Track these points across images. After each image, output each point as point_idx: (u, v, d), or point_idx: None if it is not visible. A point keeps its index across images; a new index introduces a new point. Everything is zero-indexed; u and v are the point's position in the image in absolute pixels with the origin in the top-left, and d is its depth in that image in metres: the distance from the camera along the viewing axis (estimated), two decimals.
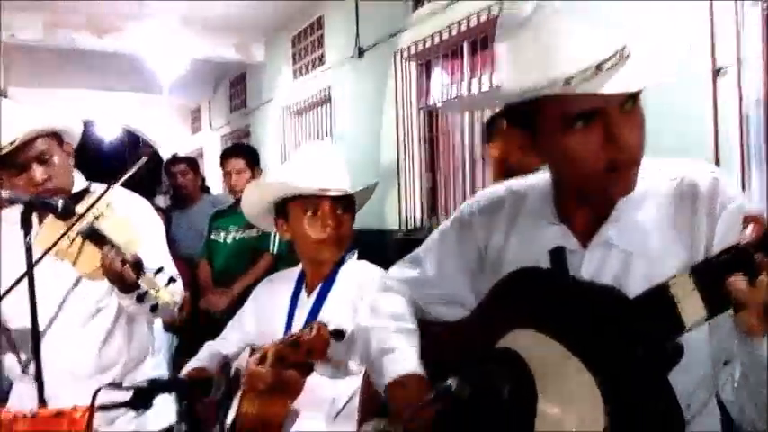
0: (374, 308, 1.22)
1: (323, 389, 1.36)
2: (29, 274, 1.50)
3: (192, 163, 3.90)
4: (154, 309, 1.53)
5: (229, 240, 3.21)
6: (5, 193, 1.54)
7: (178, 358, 2.69)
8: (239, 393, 1.44)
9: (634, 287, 0.79)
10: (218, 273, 3.21)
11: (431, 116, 4.73)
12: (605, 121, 0.84)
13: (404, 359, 1.09)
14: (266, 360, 1.30)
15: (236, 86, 8.06)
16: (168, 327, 2.97)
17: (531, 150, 0.95)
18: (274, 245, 3.09)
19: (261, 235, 3.11)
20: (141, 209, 1.87)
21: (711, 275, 0.66)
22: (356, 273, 1.58)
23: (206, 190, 4.13)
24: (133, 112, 9.18)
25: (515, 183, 1.12)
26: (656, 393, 0.74)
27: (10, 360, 1.83)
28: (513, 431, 0.88)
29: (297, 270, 1.67)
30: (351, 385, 1.37)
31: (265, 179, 1.79)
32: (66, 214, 1.57)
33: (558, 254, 0.95)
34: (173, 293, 1.49)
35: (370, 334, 1.17)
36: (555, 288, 0.88)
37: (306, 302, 1.58)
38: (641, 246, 0.90)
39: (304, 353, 1.19)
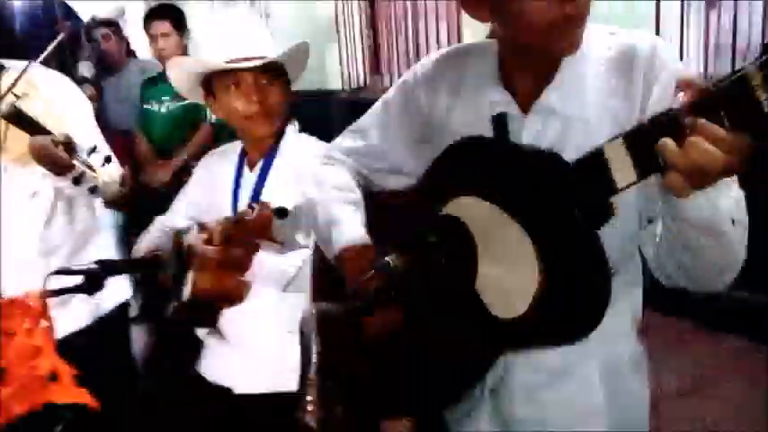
0: (318, 180, 1.22)
1: (271, 262, 1.39)
2: None
3: (115, 25, 3.60)
4: (93, 190, 1.49)
5: (164, 110, 3.08)
6: None
7: (127, 234, 2.67)
8: (192, 270, 1.46)
9: (571, 153, 0.81)
10: (157, 145, 3.11)
11: None
12: None
13: (350, 229, 1.11)
14: (213, 239, 1.30)
15: None
16: (110, 204, 2.91)
17: (484, 3, 0.91)
18: (211, 114, 2.98)
19: (193, 104, 2.99)
20: (64, 86, 1.76)
21: (643, 139, 0.68)
22: (297, 146, 1.55)
23: (131, 54, 3.86)
24: None
25: (459, 47, 1.09)
26: (586, 250, 0.79)
27: None
28: (455, 294, 0.94)
29: (239, 144, 1.63)
30: (299, 256, 1.41)
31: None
32: None
33: (499, 120, 0.95)
34: (110, 173, 1.46)
35: (316, 206, 1.19)
36: (496, 155, 0.89)
37: (249, 178, 1.56)
38: (580, 111, 0.91)
39: (248, 232, 1.19)
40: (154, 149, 3.11)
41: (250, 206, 1.19)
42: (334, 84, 4.55)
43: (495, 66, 1.00)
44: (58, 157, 1.42)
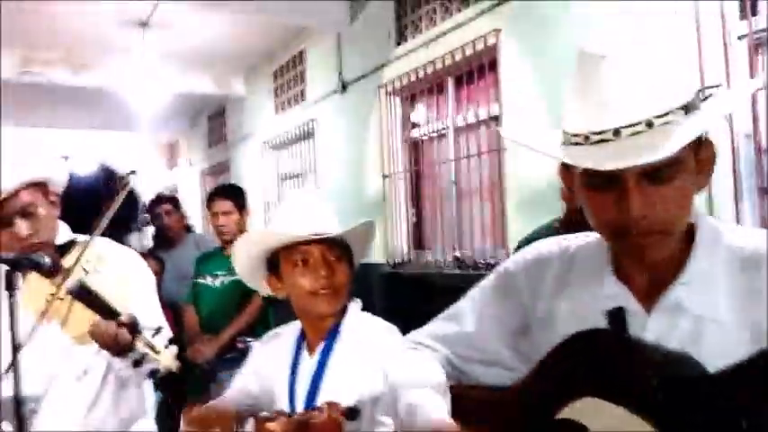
0: (405, 365, 1.14)
1: None
2: (13, 338, 1.39)
3: (176, 202, 3.78)
4: (153, 374, 1.42)
5: (218, 284, 3.10)
6: None
7: (161, 415, 2.53)
8: None
9: (706, 355, 0.75)
10: (205, 319, 3.09)
11: (416, 149, 4.71)
12: (621, 185, 0.81)
13: (433, 410, 1.01)
14: None
15: (215, 121, 7.97)
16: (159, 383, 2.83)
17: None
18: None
19: None
20: (131, 261, 1.77)
21: None
22: (360, 327, 1.48)
23: (189, 229, 4.01)
24: (108, 149, 9.02)
25: (565, 239, 1.06)
26: None
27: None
28: None
29: (297, 326, 1.57)
30: None
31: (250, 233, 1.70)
32: (54, 272, 1.47)
33: (617, 315, 0.89)
34: (172, 354, 1.39)
35: (400, 392, 1.09)
36: (626, 352, 0.80)
37: (308, 362, 1.48)
38: (713, 311, 0.85)
39: None
40: (201, 324, 3.08)
41: (317, 408, 1.08)
42: (378, 257, 4.60)
43: (606, 257, 0.96)
44: (121, 339, 1.39)
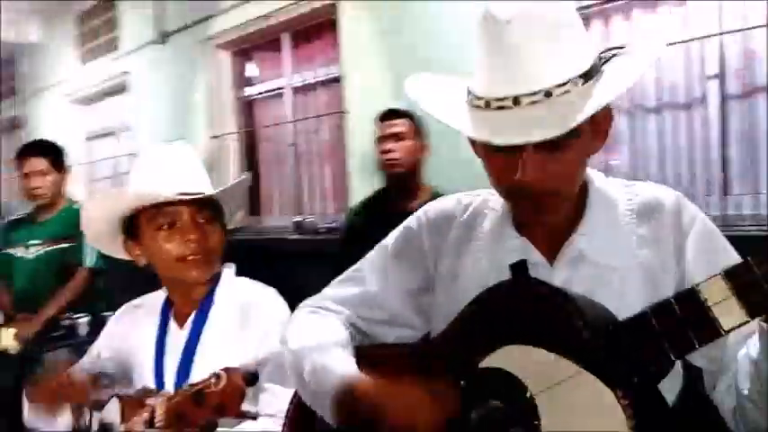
0: (304, 330, 1.08)
1: None
2: None
3: None
4: None
5: (31, 256, 2.69)
6: None
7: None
8: None
9: (604, 301, 0.79)
10: (19, 295, 2.66)
11: (250, 109, 4.50)
12: (517, 151, 0.82)
13: (343, 365, 0.97)
14: (156, 420, 1.05)
15: (4, 70, 6.89)
16: None
17: None
18: (89, 257, 2.65)
19: (70, 247, 2.65)
20: None
21: (750, 279, 0.66)
22: (237, 294, 1.36)
23: None
24: None
25: (466, 195, 1.06)
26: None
27: None
28: None
29: (160, 296, 1.40)
30: (255, 427, 1.19)
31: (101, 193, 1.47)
32: None
33: (520, 267, 0.90)
34: (13, 335, 1.18)
35: (302, 355, 1.03)
36: (548, 301, 0.82)
37: (177, 335, 1.33)
38: (611, 259, 0.90)
39: (212, 409, 0.94)
40: (14, 301, 2.65)
41: (214, 375, 0.96)
42: None
43: (508, 213, 0.98)
44: None
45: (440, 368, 0.92)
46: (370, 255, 1.13)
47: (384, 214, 2.29)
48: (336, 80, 3.70)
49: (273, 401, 1.19)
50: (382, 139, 2.43)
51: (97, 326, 2.65)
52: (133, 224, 1.32)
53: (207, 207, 1.32)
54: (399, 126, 2.39)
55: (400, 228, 1.10)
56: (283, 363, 1.19)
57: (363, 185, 2.95)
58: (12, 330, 1.20)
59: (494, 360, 0.85)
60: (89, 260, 2.64)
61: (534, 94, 0.80)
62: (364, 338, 1.09)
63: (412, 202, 2.30)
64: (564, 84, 0.80)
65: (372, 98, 3.24)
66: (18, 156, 2.74)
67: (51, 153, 2.74)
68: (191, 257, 1.28)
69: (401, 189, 2.40)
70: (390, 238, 1.10)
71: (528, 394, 0.80)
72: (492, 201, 1.01)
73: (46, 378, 1.35)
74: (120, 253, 1.39)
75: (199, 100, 4.52)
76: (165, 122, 4.83)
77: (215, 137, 4.40)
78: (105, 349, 1.43)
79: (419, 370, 0.95)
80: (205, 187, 1.33)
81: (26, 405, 1.35)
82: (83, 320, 2.48)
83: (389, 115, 2.44)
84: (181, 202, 1.28)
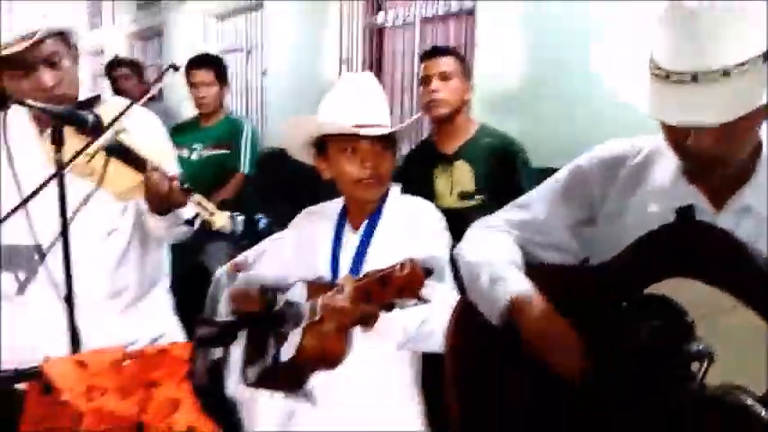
0: (479, 244, 1.26)
1: (393, 319, 1.38)
2: (60, 192, 1.36)
3: (137, 66, 3.54)
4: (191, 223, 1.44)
5: (194, 157, 3.02)
6: (35, 103, 1.36)
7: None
8: (302, 326, 1.41)
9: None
10: None
11: (379, 36, 4.62)
12: None
13: (517, 283, 1.14)
14: (345, 295, 1.28)
15: None
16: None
17: None
18: (245, 164, 2.96)
19: (230, 153, 2.96)
20: (157, 124, 1.73)
21: None
22: (402, 206, 1.57)
23: (151, 97, 3.77)
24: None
25: (640, 140, 1.16)
26: None
27: None
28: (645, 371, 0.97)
29: (338, 204, 1.63)
30: (419, 313, 1.41)
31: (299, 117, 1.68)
32: (95, 130, 1.42)
33: (686, 213, 1.01)
34: (227, 217, 1.42)
35: (478, 268, 1.21)
36: (721, 242, 0.95)
37: (352, 237, 1.56)
38: None
39: (394, 291, 1.16)
40: None
41: (402, 264, 1.16)
42: None
43: (679, 161, 1.06)
44: (174, 195, 1.39)
45: (603, 291, 1.07)
46: (541, 186, 1.27)
47: (432, 157, 2.36)
48: (471, 12, 3.74)
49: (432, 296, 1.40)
50: (427, 78, 2.29)
51: (251, 226, 2.99)
52: (323, 143, 1.54)
53: (384, 137, 1.51)
54: (445, 65, 2.27)
55: (572, 165, 1.22)
56: (442, 265, 1.41)
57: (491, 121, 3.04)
58: (226, 213, 1.43)
59: (656, 289, 0.99)
60: (245, 167, 2.94)
61: (713, 72, 0.86)
62: (525, 257, 1.24)
63: (459, 142, 2.32)
64: (744, 63, 0.85)
65: (503, 33, 3.26)
66: (187, 67, 3.03)
67: (216, 66, 3.01)
68: (366, 181, 1.49)
69: (446, 131, 2.33)
70: (562, 174, 1.23)
71: (688, 319, 0.94)
72: (664, 147, 1.09)
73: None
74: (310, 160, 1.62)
75: (331, 24, 4.68)
76: (296, 44, 5.04)
77: (343, 62, 4.58)
78: (290, 245, 1.68)
79: (582, 290, 1.12)
80: (384, 121, 1.53)
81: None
82: (239, 219, 2.78)
83: (435, 53, 2.33)
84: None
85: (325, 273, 1.54)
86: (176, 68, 1.65)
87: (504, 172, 2.23)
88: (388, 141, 1.53)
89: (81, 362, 1.00)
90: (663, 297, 0.98)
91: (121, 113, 1.48)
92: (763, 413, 0.75)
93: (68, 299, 1.37)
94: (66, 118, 1.37)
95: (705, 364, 0.85)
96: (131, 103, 1.52)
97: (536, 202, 1.24)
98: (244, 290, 1.56)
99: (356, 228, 1.56)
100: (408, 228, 1.51)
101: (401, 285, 1.14)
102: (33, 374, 0.96)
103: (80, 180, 1.44)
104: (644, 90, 0.95)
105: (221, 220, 1.38)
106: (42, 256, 1.43)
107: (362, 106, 1.52)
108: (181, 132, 3.11)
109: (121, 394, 1.04)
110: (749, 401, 0.77)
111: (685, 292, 0.96)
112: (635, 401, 0.97)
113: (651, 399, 0.95)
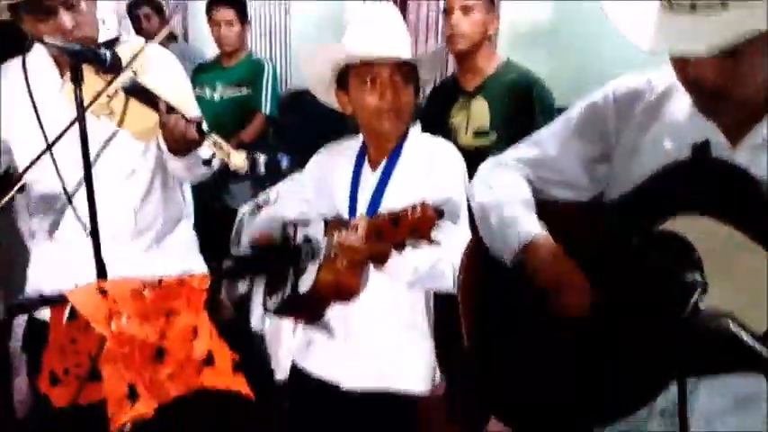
0: (490, 183, 1.26)
1: (405, 258, 1.40)
2: (81, 130, 1.39)
3: (158, 5, 3.52)
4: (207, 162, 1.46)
5: (216, 97, 3.03)
6: (54, 41, 1.38)
7: None
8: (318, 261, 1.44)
9: None
10: None
11: None
12: None
13: (527, 224, 1.15)
14: (358, 233, 1.30)
15: None
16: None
17: None
18: (266, 105, 2.96)
19: (251, 94, 2.97)
20: (175, 64, 1.73)
21: None
22: (422, 146, 1.56)
23: (173, 38, 3.78)
24: None
25: (656, 75, 1.13)
26: None
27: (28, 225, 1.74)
28: (651, 307, 0.97)
29: (358, 142, 1.63)
30: (431, 254, 1.43)
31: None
32: (113, 69, 1.44)
33: (702, 148, 0.99)
34: (243, 157, 1.43)
35: (489, 209, 1.21)
36: (735, 179, 0.93)
37: (370, 175, 1.56)
38: None
39: (406, 232, 1.17)
40: None
41: (413, 207, 1.18)
42: None
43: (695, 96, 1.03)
44: (190, 135, 1.41)
45: (613, 227, 1.08)
46: (553, 123, 1.25)
47: (453, 93, 2.29)
48: None
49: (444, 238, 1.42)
50: (449, 11, 2.20)
51: (273, 166, 3.03)
52: (344, 76, 1.53)
53: (404, 68, 1.49)
54: None
55: (587, 101, 1.19)
56: (458, 207, 1.42)
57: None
58: (243, 152, 1.44)
59: (667, 226, 0.98)
60: (266, 108, 2.95)
61: (711, 0, 0.84)
62: (536, 195, 1.23)
63: (480, 78, 2.25)
64: None
65: None
66: (208, 5, 3.01)
67: (238, 4, 2.98)
68: (385, 112, 1.49)
69: (467, 66, 2.26)
70: (575, 111, 1.21)
71: (696, 256, 0.94)
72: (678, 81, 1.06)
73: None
74: (333, 103, 1.61)
75: None
76: None
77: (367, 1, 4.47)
78: (308, 182, 1.69)
79: (594, 228, 1.12)
80: (403, 51, 1.50)
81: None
82: (261, 159, 2.81)
83: None
84: (381, 62, 1.46)
85: (343, 211, 1.56)
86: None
87: (523, 110, 2.17)
88: (409, 74, 1.50)
89: (103, 289, 1.05)
90: (673, 233, 0.98)
91: (137, 54, 1.49)
92: (749, 340, 0.76)
93: (94, 234, 1.42)
94: (84, 56, 1.38)
95: (698, 294, 0.85)
96: (143, 46, 1.52)
97: (548, 139, 1.23)
98: (266, 232, 1.59)
99: (375, 166, 1.57)
100: (427, 168, 1.51)
101: (412, 226, 1.15)
102: (58, 300, 1.01)
103: (101, 121, 1.47)
104: (645, 23, 0.93)
105: (237, 159, 1.39)
106: (68, 196, 1.47)
107: (379, 35, 1.50)
108: (203, 72, 3.12)
109: (142, 321, 1.09)
110: (735, 328, 0.78)
111: (698, 229, 0.95)
112: (633, 330, 0.99)
113: (647, 326, 0.96)
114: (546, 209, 1.21)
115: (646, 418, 1.07)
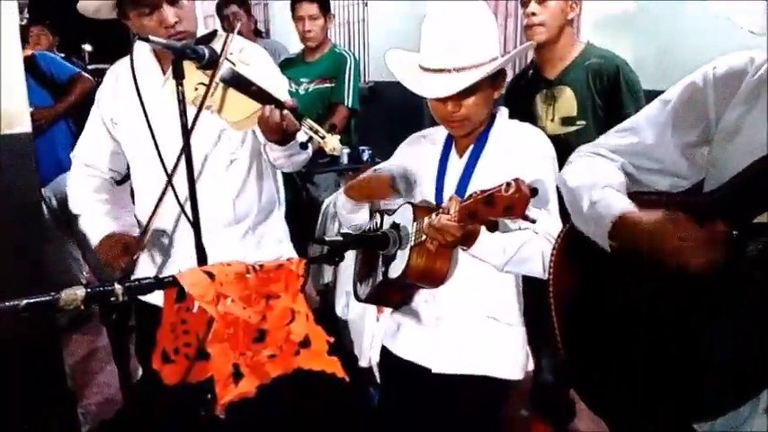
0: (582, 170, 1.24)
1: (494, 239, 1.39)
2: (183, 124, 1.47)
3: (245, 3, 3.64)
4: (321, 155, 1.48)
5: (301, 91, 3.10)
6: (157, 39, 1.46)
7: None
8: (410, 245, 1.46)
9: None
10: None
11: None
12: None
13: (620, 201, 1.11)
14: (451, 215, 1.30)
15: None
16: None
17: None
18: (349, 98, 3.01)
19: (335, 87, 3.02)
20: (267, 56, 1.80)
21: None
22: (509, 132, 1.55)
23: (259, 34, 3.90)
24: None
25: (759, 53, 1.07)
26: None
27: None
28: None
29: (444, 130, 1.63)
30: (520, 237, 1.41)
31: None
32: (211, 64, 1.51)
33: None
34: (338, 140, 1.45)
35: (580, 191, 1.19)
36: None
37: (457, 162, 1.56)
38: None
39: (501, 209, 1.13)
40: None
41: (507, 183, 1.16)
42: None
43: None
44: (288, 123, 1.44)
45: (713, 218, 1.01)
46: (648, 108, 1.20)
47: (535, 81, 2.22)
48: None
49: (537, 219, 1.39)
50: (526, 0, 2.13)
51: (355, 157, 3.09)
52: None
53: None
54: None
55: (684, 82, 1.15)
56: (547, 192, 1.40)
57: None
58: (336, 136, 1.47)
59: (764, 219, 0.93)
60: (348, 100, 3.00)
61: None
62: (634, 185, 1.20)
63: (561, 65, 2.17)
64: None
65: None
66: (292, 1, 3.08)
67: None
68: (448, 121, 1.49)
69: (547, 55, 2.18)
70: (672, 93, 1.16)
71: None
72: None
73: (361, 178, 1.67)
74: None
75: None
76: None
77: None
78: (397, 167, 1.70)
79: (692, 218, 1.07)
80: (466, 61, 1.42)
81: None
82: (344, 151, 2.88)
83: None
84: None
85: (430, 197, 1.58)
86: None
87: (609, 95, 2.10)
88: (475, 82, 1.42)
89: (209, 272, 1.10)
90: None
91: (225, 46, 1.54)
92: None
93: (195, 224, 1.50)
94: (185, 53, 1.46)
95: None
96: (228, 36, 1.56)
97: (644, 126, 1.19)
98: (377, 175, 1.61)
99: (462, 153, 1.57)
100: (514, 153, 1.49)
101: (507, 204, 1.12)
102: (169, 282, 1.08)
103: (212, 114, 1.53)
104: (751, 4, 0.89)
105: (332, 142, 1.40)
106: (173, 187, 1.55)
107: (437, 47, 1.44)
108: (287, 68, 3.18)
109: (245, 303, 1.15)
110: None
111: None
112: (735, 323, 0.95)
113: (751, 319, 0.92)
114: (637, 200, 1.15)
115: (747, 416, 1.02)
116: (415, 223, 1.43)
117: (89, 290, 0.98)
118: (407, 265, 1.42)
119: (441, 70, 1.43)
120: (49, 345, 2.13)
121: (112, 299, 1.00)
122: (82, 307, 0.97)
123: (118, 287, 1.01)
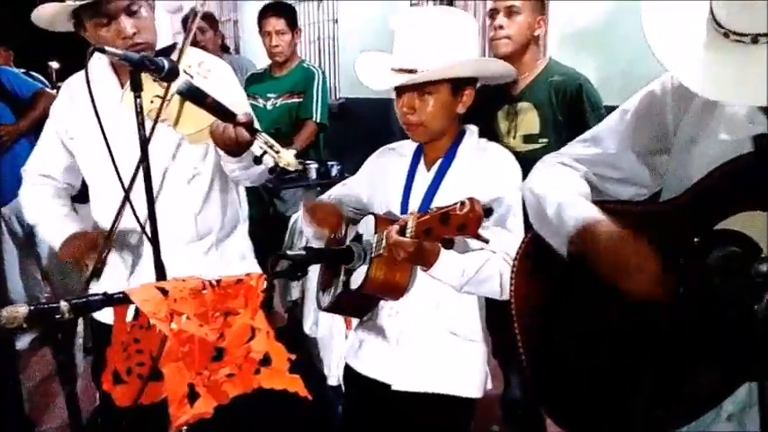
0: (546, 178, 1.23)
1: (453, 260, 1.38)
2: (141, 137, 1.42)
3: (212, 19, 3.62)
4: (272, 170, 1.46)
5: (269, 106, 3.08)
6: (114, 51, 1.42)
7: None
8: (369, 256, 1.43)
9: None
10: None
11: None
12: None
13: (585, 208, 1.10)
14: (407, 230, 1.29)
15: None
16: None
17: None
18: (317, 113, 2.99)
19: (303, 102, 3.00)
20: (228, 71, 1.76)
21: None
22: (478, 151, 1.54)
23: (226, 49, 3.87)
24: None
25: None
26: None
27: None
28: (720, 308, 0.93)
29: (414, 143, 1.62)
30: (479, 257, 1.40)
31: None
32: (171, 76, 1.47)
33: (763, 141, 0.94)
34: (293, 155, 1.43)
35: (544, 198, 1.18)
36: None
37: (424, 176, 1.55)
38: None
39: (455, 228, 1.13)
40: None
41: (462, 202, 1.15)
42: None
43: None
44: (241, 137, 1.41)
45: (673, 226, 1.02)
46: (609, 118, 1.21)
47: (497, 96, 2.18)
48: None
49: (494, 239, 1.38)
50: (493, 12, 2.13)
51: (324, 172, 3.06)
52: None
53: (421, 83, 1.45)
54: None
55: (643, 92, 1.15)
56: (509, 208, 1.39)
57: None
58: (292, 151, 1.44)
59: (729, 224, 0.94)
60: (317, 116, 2.98)
61: None
62: (596, 194, 1.20)
63: (524, 82, 2.17)
64: None
65: None
66: (259, 16, 3.07)
67: (288, 14, 3.03)
68: (407, 124, 1.50)
69: None
70: (632, 102, 1.17)
71: (763, 254, 0.88)
72: None
73: (316, 204, 1.66)
74: None
75: None
76: None
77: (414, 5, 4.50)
78: (364, 180, 1.70)
79: (651, 226, 1.06)
80: (426, 64, 1.43)
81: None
82: (313, 166, 2.86)
83: None
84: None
85: (395, 209, 1.57)
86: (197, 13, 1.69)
87: (572, 112, 2.11)
88: (429, 86, 1.45)
89: (163, 288, 1.06)
90: (736, 232, 0.93)
91: (179, 55, 1.51)
92: None
93: (154, 238, 1.45)
94: (144, 64, 1.42)
95: None
96: (180, 46, 1.54)
97: (606, 135, 1.19)
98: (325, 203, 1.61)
99: (429, 166, 1.56)
100: (480, 171, 1.49)
101: (461, 222, 1.12)
102: (119, 299, 1.03)
103: (167, 127, 1.49)
104: (693, 55, 0.90)
105: (287, 157, 1.38)
106: (131, 201, 1.50)
107: (401, 48, 1.48)
108: (255, 82, 3.18)
109: (201, 320, 1.10)
110: None
111: (759, 227, 0.90)
112: (701, 330, 0.94)
113: (717, 325, 0.91)
114: (602, 209, 1.15)
115: (710, 423, 1.02)
116: (376, 235, 1.41)
117: (32, 307, 0.93)
118: (367, 276, 1.40)
119: (402, 70, 1.45)
120: (7, 369, 2.05)
121: (57, 316, 0.95)
122: (24, 326, 0.92)
123: (63, 304, 0.96)
